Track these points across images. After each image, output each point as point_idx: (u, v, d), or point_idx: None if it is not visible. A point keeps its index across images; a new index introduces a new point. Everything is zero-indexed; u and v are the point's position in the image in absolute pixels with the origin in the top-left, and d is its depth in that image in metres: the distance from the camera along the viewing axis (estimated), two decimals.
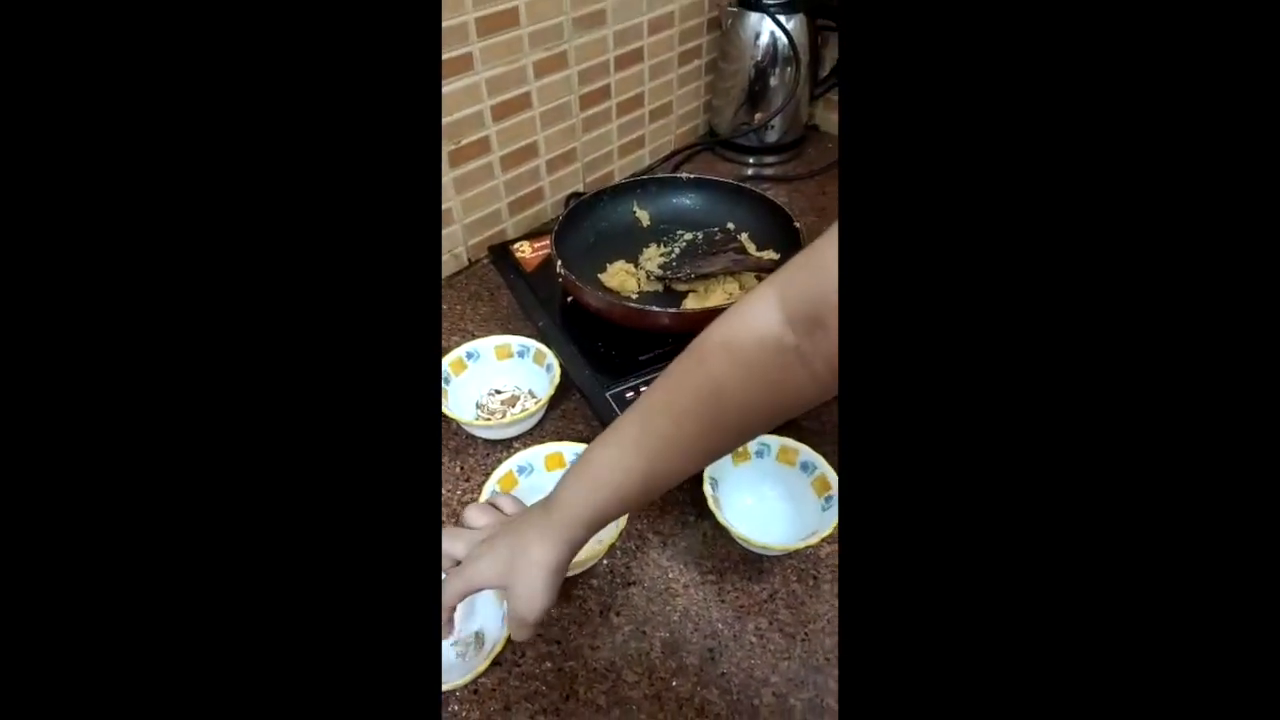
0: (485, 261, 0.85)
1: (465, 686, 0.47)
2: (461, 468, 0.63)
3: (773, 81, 0.99)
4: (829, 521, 0.52)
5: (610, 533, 0.53)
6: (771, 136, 1.04)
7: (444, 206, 0.80)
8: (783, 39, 0.94)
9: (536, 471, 0.59)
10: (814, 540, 0.51)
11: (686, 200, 0.84)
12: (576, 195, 0.89)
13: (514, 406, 0.66)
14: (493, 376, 0.68)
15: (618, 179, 1.00)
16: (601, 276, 0.75)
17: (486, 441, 0.65)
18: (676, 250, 0.78)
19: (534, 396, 0.67)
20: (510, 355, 0.68)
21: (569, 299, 0.72)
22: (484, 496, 0.57)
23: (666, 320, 0.65)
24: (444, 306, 0.80)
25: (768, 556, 0.55)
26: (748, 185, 0.83)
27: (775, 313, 0.37)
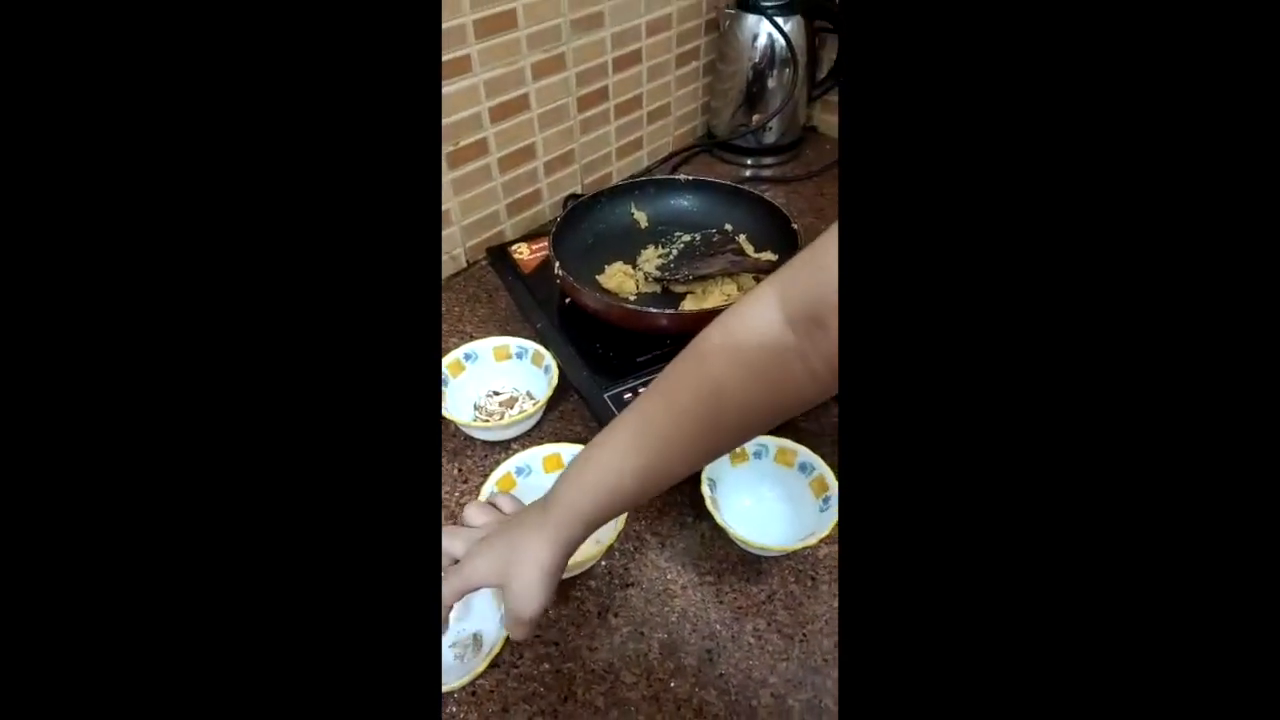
0: (483, 263, 0.85)
1: (463, 688, 0.47)
2: (460, 469, 0.63)
3: (770, 83, 0.99)
4: (827, 522, 0.52)
5: (608, 534, 0.53)
6: (769, 138, 1.04)
7: (442, 208, 0.80)
8: (780, 41, 0.95)
9: (535, 473, 0.59)
10: (812, 541, 0.51)
11: (684, 202, 0.84)
12: (575, 197, 0.89)
13: (512, 408, 0.66)
14: (491, 378, 0.68)
15: (616, 180, 1.00)
16: (599, 278, 0.75)
17: (484, 443, 0.65)
18: (674, 252, 0.78)
19: (532, 398, 0.67)
20: (508, 357, 0.68)
21: (567, 300, 0.72)
22: (482, 498, 0.57)
23: (664, 321, 0.65)
24: (442, 308, 0.80)
25: (766, 557, 0.55)
26: (746, 187, 0.83)
27: (775, 313, 0.37)
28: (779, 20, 0.94)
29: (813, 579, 0.54)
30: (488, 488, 0.57)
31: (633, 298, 0.74)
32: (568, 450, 0.59)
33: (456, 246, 0.84)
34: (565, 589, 0.54)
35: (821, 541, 0.52)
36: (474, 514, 0.46)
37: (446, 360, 0.66)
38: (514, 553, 0.41)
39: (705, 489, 0.54)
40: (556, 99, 0.86)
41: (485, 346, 0.68)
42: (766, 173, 1.05)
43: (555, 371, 0.65)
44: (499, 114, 0.80)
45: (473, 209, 0.83)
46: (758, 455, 0.59)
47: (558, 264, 0.69)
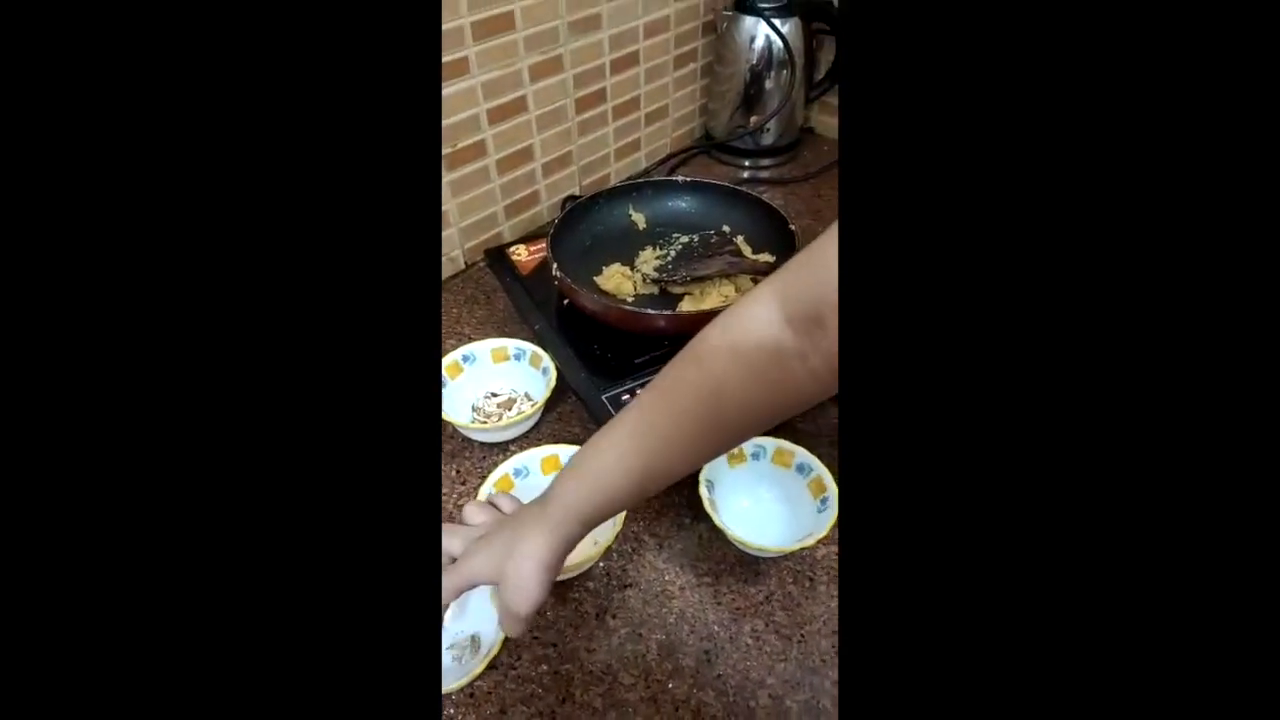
0: (481, 265, 0.85)
1: (461, 690, 0.47)
2: (457, 471, 0.63)
3: (768, 85, 0.99)
4: (825, 523, 0.52)
5: (606, 535, 0.53)
6: (767, 139, 1.04)
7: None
8: (778, 42, 0.95)
9: (533, 474, 0.59)
10: (810, 542, 0.51)
11: (682, 203, 0.84)
12: (573, 198, 0.90)
13: (510, 409, 0.66)
14: (489, 379, 0.68)
15: (614, 182, 1.00)
16: (597, 279, 0.75)
17: (482, 445, 0.65)
18: (672, 253, 0.78)
19: (530, 399, 0.67)
20: (506, 358, 0.68)
21: (565, 302, 0.72)
22: (480, 499, 0.57)
23: (662, 323, 0.65)
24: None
25: (764, 558, 0.55)
26: (743, 188, 0.83)
27: (775, 312, 0.37)
28: (776, 22, 0.94)
29: (810, 580, 0.54)
30: (485, 489, 0.57)
31: (630, 299, 0.74)
32: (566, 452, 0.59)
33: (455, 248, 0.84)
34: (563, 590, 0.54)
35: (819, 542, 0.52)
36: (473, 513, 0.46)
37: (444, 362, 0.66)
38: (510, 549, 0.41)
39: (703, 490, 0.54)
40: (554, 101, 0.86)
41: (483, 348, 0.68)
42: (764, 174, 1.05)
43: (553, 373, 0.65)
44: (497, 116, 0.80)
45: (471, 211, 0.83)
46: (755, 456, 0.59)
47: (556, 265, 0.69)
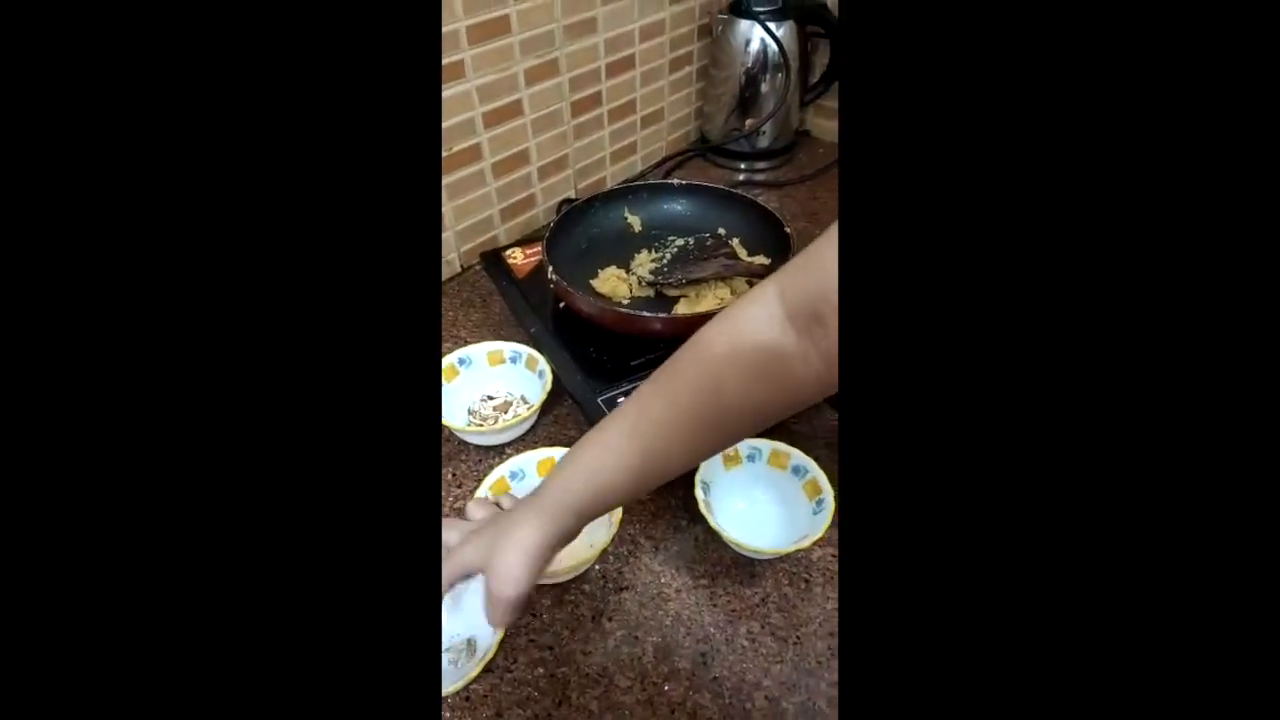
0: (477, 268, 0.85)
1: (457, 693, 0.47)
2: (453, 474, 0.63)
3: (763, 88, 0.99)
4: (820, 525, 0.52)
5: (602, 538, 0.53)
6: (762, 142, 1.04)
7: None
8: (772, 46, 0.95)
9: (529, 477, 0.59)
10: (805, 544, 0.51)
11: (678, 206, 0.84)
12: (568, 201, 0.90)
13: (506, 412, 0.66)
14: (485, 382, 0.68)
15: (609, 185, 1.01)
16: (593, 282, 0.75)
17: (478, 447, 0.65)
18: (668, 256, 0.78)
19: (526, 402, 0.67)
20: (502, 361, 0.69)
21: (561, 305, 0.72)
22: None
23: (658, 325, 0.65)
24: None
25: (759, 560, 0.55)
26: (739, 191, 0.83)
27: (776, 310, 0.37)
28: (771, 25, 0.94)
29: (806, 581, 0.54)
30: (481, 492, 0.57)
31: (626, 302, 0.74)
32: (562, 454, 0.59)
33: (450, 251, 0.84)
34: (559, 593, 0.54)
35: (815, 544, 0.52)
36: (475, 510, 0.47)
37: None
38: (500, 538, 0.41)
39: (699, 492, 0.54)
40: (550, 104, 0.86)
41: (479, 351, 0.68)
42: (759, 177, 1.05)
43: (549, 376, 0.65)
44: (492, 119, 0.80)
45: (467, 214, 0.84)
46: (751, 458, 0.59)
47: (551, 269, 0.69)
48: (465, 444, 0.65)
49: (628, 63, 0.93)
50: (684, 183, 0.85)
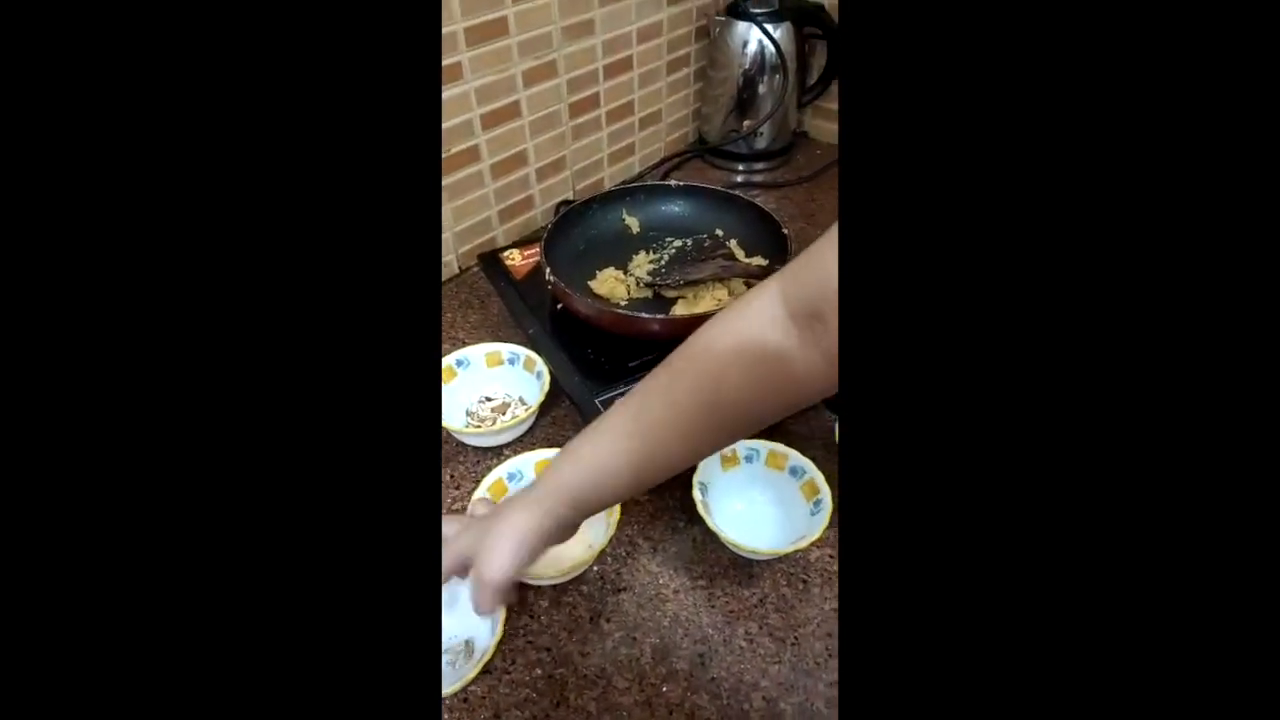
0: (475, 269, 0.85)
1: (455, 695, 0.47)
2: (451, 475, 0.63)
3: (761, 89, 0.99)
4: (818, 526, 0.52)
5: (600, 539, 0.53)
6: (760, 143, 1.05)
7: None
8: (770, 47, 0.95)
9: (526, 478, 0.59)
10: (803, 544, 0.51)
11: (676, 207, 0.84)
12: (566, 203, 0.90)
13: (504, 414, 0.66)
14: (483, 384, 0.69)
15: (607, 186, 1.01)
16: (591, 284, 0.75)
17: (476, 449, 0.65)
18: (666, 257, 0.78)
19: (524, 404, 0.67)
20: (500, 362, 0.69)
21: (559, 306, 0.72)
22: (472, 504, 0.57)
23: (656, 327, 0.66)
24: None
25: (757, 561, 0.55)
26: (737, 192, 0.83)
27: (778, 307, 0.37)
28: (768, 27, 0.94)
29: (804, 582, 0.54)
30: (479, 493, 0.57)
31: (624, 303, 0.74)
32: None
33: (448, 253, 0.84)
34: (557, 594, 0.54)
35: (813, 545, 0.52)
36: (479, 507, 0.47)
37: None
38: (494, 524, 0.41)
39: (696, 493, 0.54)
40: (548, 105, 0.86)
41: (477, 352, 0.68)
42: (757, 178, 1.05)
43: (547, 377, 0.65)
44: (490, 121, 0.80)
45: (465, 215, 0.84)
46: (749, 459, 0.59)
47: (549, 270, 0.69)
48: (463, 445, 0.65)
49: (626, 64, 0.93)
50: (682, 184, 0.85)
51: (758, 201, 0.80)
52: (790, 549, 0.51)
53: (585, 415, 0.63)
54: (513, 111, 0.82)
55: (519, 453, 0.61)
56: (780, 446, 0.58)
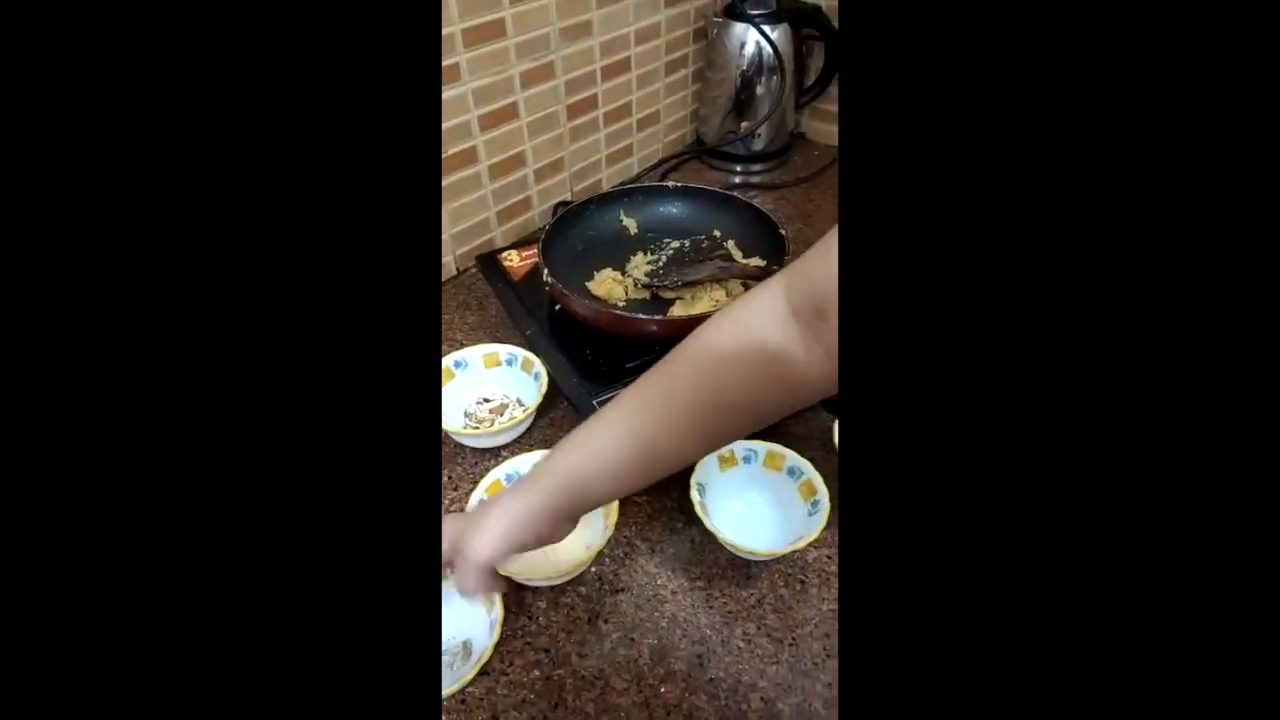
0: (473, 270, 0.85)
1: (453, 696, 0.47)
2: (449, 476, 0.63)
3: (758, 90, 1.00)
4: (816, 526, 0.52)
5: (598, 540, 0.53)
6: (758, 145, 1.05)
7: None
8: (767, 49, 0.96)
9: None
10: (801, 545, 0.51)
11: (673, 208, 0.84)
12: (564, 204, 0.90)
13: (502, 415, 0.66)
14: (481, 385, 0.69)
15: (606, 187, 1.01)
16: (589, 285, 0.76)
17: (474, 450, 0.65)
18: (663, 258, 0.78)
19: (522, 405, 0.67)
20: (498, 364, 0.69)
21: (556, 307, 0.72)
22: (471, 505, 0.57)
23: (653, 328, 0.66)
24: None
25: (755, 562, 0.55)
26: (734, 193, 0.84)
27: (781, 304, 0.37)
28: (766, 28, 0.95)
29: (802, 583, 0.54)
30: (477, 495, 0.57)
31: (622, 304, 0.74)
32: None
33: (446, 254, 0.84)
34: (555, 595, 0.54)
35: (810, 545, 0.52)
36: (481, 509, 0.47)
37: None
38: (485, 509, 0.41)
39: (695, 494, 0.55)
40: (546, 107, 0.86)
41: (475, 354, 0.68)
42: (755, 179, 1.05)
43: (545, 378, 0.65)
44: (488, 122, 0.80)
45: (462, 216, 0.84)
46: (746, 460, 0.59)
47: (547, 271, 0.69)
48: (461, 446, 0.65)
49: (624, 66, 0.93)
50: (680, 185, 0.85)
51: (755, 202, 0.80)
52: (788, 550, 0.51)
53: (583, 416, 0.63)
54: (510, 113, 0.82)
55: (517, 454, 0.61)
56: (778, 447, 0.58)
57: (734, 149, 1.05)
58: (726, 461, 0.59)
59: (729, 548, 0.54)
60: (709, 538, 0.54)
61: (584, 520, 0.48)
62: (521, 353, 0.68)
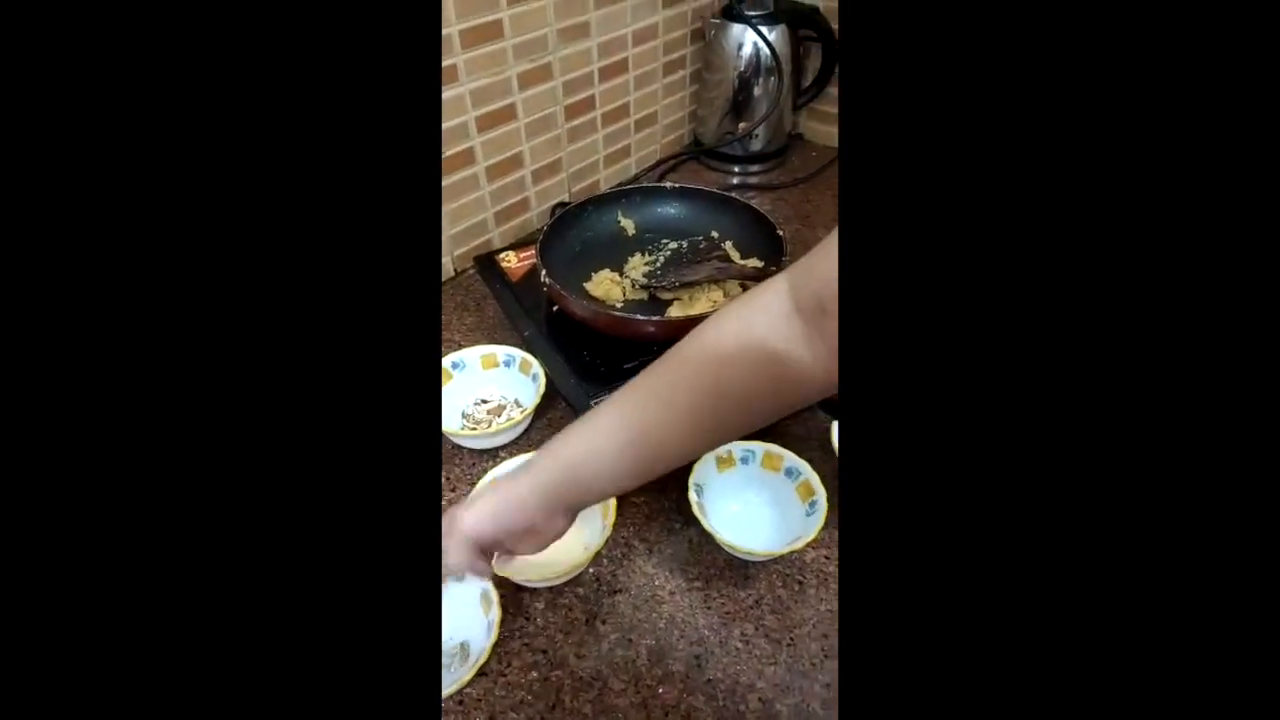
0: (471, 271, 0.85)
1: (451, 697, 0.47)
2: (447, 477, 0.62)
3: (756, 91, 1.00)
4: (813, 527, 0.52)
5: (596, 540, 0.53)
6: (755, 145, 1.05)
7: None
8: (765, 50, 0.96)
9: None
10: (799, 545, 0.51)
11: (671, 209, 0.84)
12: (562, 205, 0.90)
13: (500, 416, 0.66)
14: (479, 386, 0.68)
15: (603, 189, 1.01)
16: (587, 285, 0.76)
17: (472, 451, 0.65)
18: (661, 259, 0.78)
19: (520, 406, 0.67)
20: (496, 365, 0.69)
21: (554, 308, 0.72)
22: None
23: (651, 329, 0.66)
24: None
25: (753, 562, 0.55)
26: (732, 194, 0.84)
27: (785, 301, 0.37)
28: (763, 30, 0.95)
29: (800, 583, 0.54)
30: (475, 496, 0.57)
31: (620, 305, 0.74)
32: None
33: (444, 255, 0.84)
34: (553, 596, 0.54)
35: (808, 546, 0.52)
36: None
37: None
38: (479, 497, 0.42)
39: (692, 494, 0.55)
40: (543, 108, 0.86)
41: (473, 355, 0.68)
42: (753, 180, 1.05)
43: (543, 379, 0.65)
44: (486, 123, 0.80)
45: (460, 218, 0.84)
46: (744, 460, 0.59)
47: (545, 272, 0.69)
48: (459, 447, 0.65)
49: (621, 67, 0.93)
50: (677, 186, 0.85)
51: (753, 203, 0.81)
52: (786, 550, 0.51)
53: (580, 417, 0.64)
54: (508, 114, 0.82)
55: (514, 455, 0.61)
56: (776, 448, 0.58)
57: (732, 150, 1.05)
58: (724, 462, 0.59)
59: (727, 548, 0.54)
60: (707, 538, 0.54)
61: (582, 520, 0.48)
62: (519, 354, 0.68)
